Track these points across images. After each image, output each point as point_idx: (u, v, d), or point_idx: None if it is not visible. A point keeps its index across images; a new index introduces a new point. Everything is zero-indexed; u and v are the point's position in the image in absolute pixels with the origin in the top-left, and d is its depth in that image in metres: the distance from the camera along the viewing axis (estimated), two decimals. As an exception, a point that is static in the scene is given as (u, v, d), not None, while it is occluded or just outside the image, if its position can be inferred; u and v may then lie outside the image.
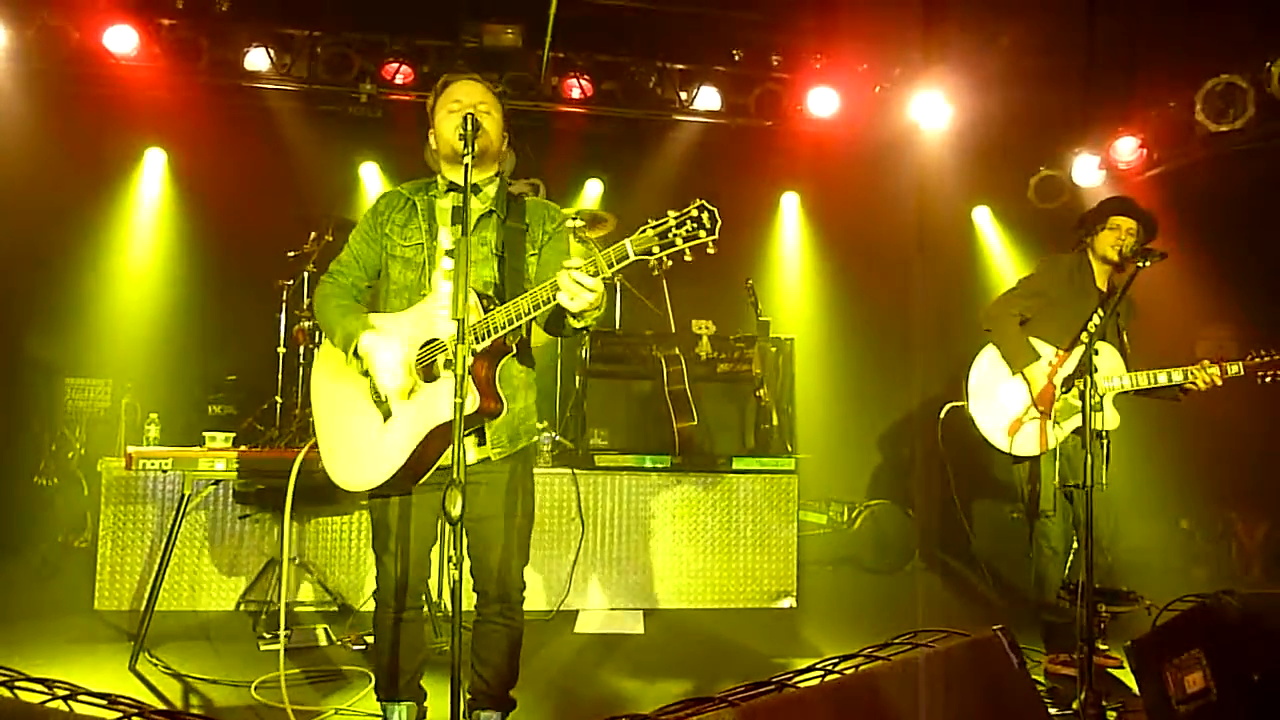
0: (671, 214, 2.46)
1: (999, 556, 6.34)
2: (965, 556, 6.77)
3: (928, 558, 6.89)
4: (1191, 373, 4.04)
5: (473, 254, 2.83)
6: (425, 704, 3.17)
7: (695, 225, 2.43)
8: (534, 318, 2.65)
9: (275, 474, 4.25)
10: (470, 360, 2.60)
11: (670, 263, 2.49)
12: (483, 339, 2.64)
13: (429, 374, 2.76)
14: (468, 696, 3.02)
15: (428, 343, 2.78)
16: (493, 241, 2.90)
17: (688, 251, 2.44)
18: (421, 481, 2.83)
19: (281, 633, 3.40)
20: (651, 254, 2.45)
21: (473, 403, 2.60)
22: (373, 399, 2.82)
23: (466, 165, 2.61)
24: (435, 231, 2.90)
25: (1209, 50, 6.09)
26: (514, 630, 3.00)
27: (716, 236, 2.44)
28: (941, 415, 4.67)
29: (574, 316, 2.63)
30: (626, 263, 2.49)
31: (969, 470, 4.80)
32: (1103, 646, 4.22)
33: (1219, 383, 4.03)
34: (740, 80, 7.08)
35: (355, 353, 2.80)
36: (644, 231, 2.46)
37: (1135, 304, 4.46)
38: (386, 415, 2.79)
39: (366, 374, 2.82)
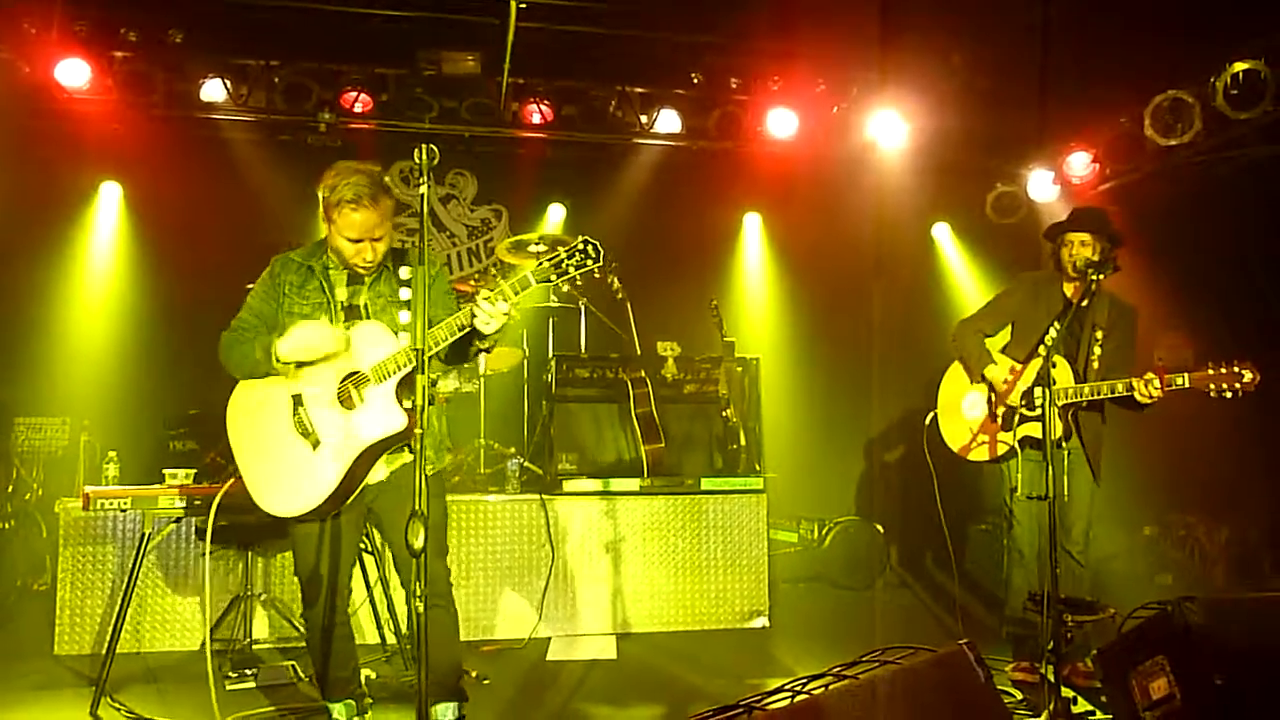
0: (561, 249, 3.01)
1: (975, 567, 6.38)
2: (940, 569, 6.82)
3: (904, 569, 6.93)
4: (1133, 384, 4.03)
5: (375, 304, 3.29)
6: (367, 700, 3.61)
7: (583, 256, 2.98)
8: (449, 344, 3.08)
9: (239, 510, 4.18)
10: (394, 385, 3.09)
11: (566, 287, 3.08)
12: (404, 365, 3.10)
13: (349, 403, 3.15)
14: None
15: (348, 376, 3.16)
16: (386, 293, 3.33)
17: (579, 278, 3.00)
18: (348, 502, 3.18)
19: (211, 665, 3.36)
20: (550, 280, 3.01)
21: (403, 422, 3.09)
22: (299, 430, 3.19)
23: (423, 211, 2.72)
24: (333, 290, 3.29)
25: (1156, 67, 6.24)
26: (448, 616, 3.30)
27: (602, 264, 3.00)
28: (926, 422, 4.70)
29: (480, 339, 3.08)
30: (528, 289, 3.01)
31: (943, 481, 4.82)
32: (1083, 667, 4.24)
33: (1160, 395, 3.99)
34: (700, 103, 7.14)
35: (279, 356, 3.15)
36: (540, 265, 3.00)
37: (1128, 311, 4.46)
38: (315, 444, 3.15)
39: (296, 398, 3.19)
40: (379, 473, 3.23)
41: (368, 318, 3.26)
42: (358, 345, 3.17)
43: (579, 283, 3.07)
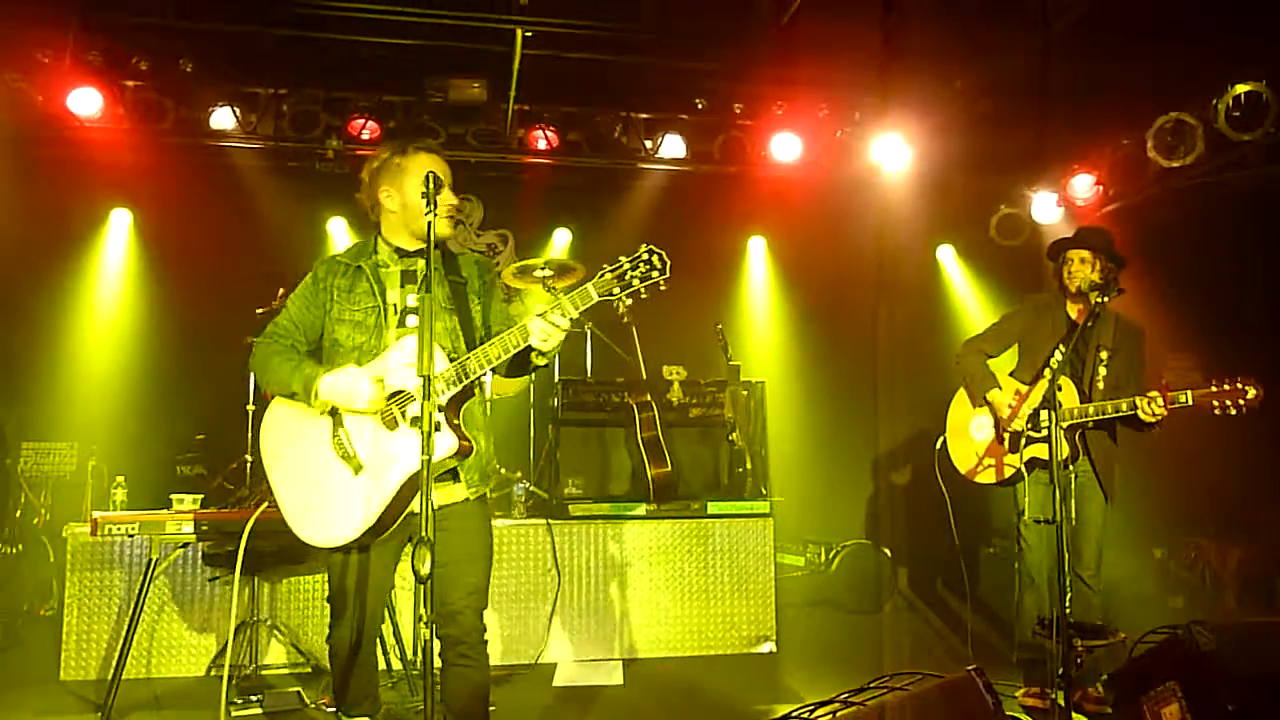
0: (624, 258, 2.74)
1: (985, 592, 6.34)
2: (949, 593, 6.77)
3: (912, 593, 6.89)
4: (1136, 403, 4.03)
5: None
6: (380, 716, 3.34)
7: (648, 267, 2.72)
8: (505, 361, 2.84)
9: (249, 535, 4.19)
10: (440, 410, 2.77)
11: (630, 301, 2.75)
12: (453, 384, 2.84)
13: (392, 424, 2.89)
14: None
15: (394, 395, 2.89)
16: (441, 296, 3.03)
17: (643, 291, 2.73)
18: (390, 531, 2.93)
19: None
20: (613, 295, 2.73)
21: (454, 445, 2.81)
22: (339, 454, 2.92)
23: (429, 238, 2.70)
24: (385, 293, 3.01)
25: (1158, 89, 6.27)
26: (481, 673, 3.02)
27: (668, 275, 2.73)
28: (937, 446, 4.68)
29: (539, 355, 2.85)
30: (591, 304, 2.76)
31: (953, 504, 4.80)
32: (1094, 692, 4.21)
33: (1164, 413, 3.99)
34: (704, 128, 7.19)
35: (318, 394, 2.89)
36: (602, 275, 2.74)
37: (1135, 332, 4.45)
38: (357, 469, 2.88)
39: (334, 413, 2.91)
40: (438, 497, 2.92)
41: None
42: (401, 360, 2.89)
43: (643, 295, 2.74)
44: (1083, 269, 4.37)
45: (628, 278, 2.73)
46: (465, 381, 2.84)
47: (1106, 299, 4.03)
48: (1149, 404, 4.00)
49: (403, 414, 2.87)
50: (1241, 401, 3.88)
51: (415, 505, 2.88)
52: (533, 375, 6.32)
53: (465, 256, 3.18)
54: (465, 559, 2.97)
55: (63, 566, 5.00)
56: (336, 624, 3.12)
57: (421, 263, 3.01)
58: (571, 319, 2.78)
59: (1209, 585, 6.57)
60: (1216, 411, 3.91)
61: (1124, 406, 4.07)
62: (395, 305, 3.00)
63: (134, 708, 4.27)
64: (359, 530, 2.85)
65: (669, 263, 2.74)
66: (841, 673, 5.04)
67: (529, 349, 2.82)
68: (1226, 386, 3.90)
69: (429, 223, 2.68)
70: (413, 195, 2.96)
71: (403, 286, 3.02)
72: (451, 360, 2.87)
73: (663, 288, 2.75)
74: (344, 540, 2.88)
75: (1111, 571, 4.66)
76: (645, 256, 2.74)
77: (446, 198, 2.95)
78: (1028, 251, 7.62)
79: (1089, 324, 4.07)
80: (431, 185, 2.67)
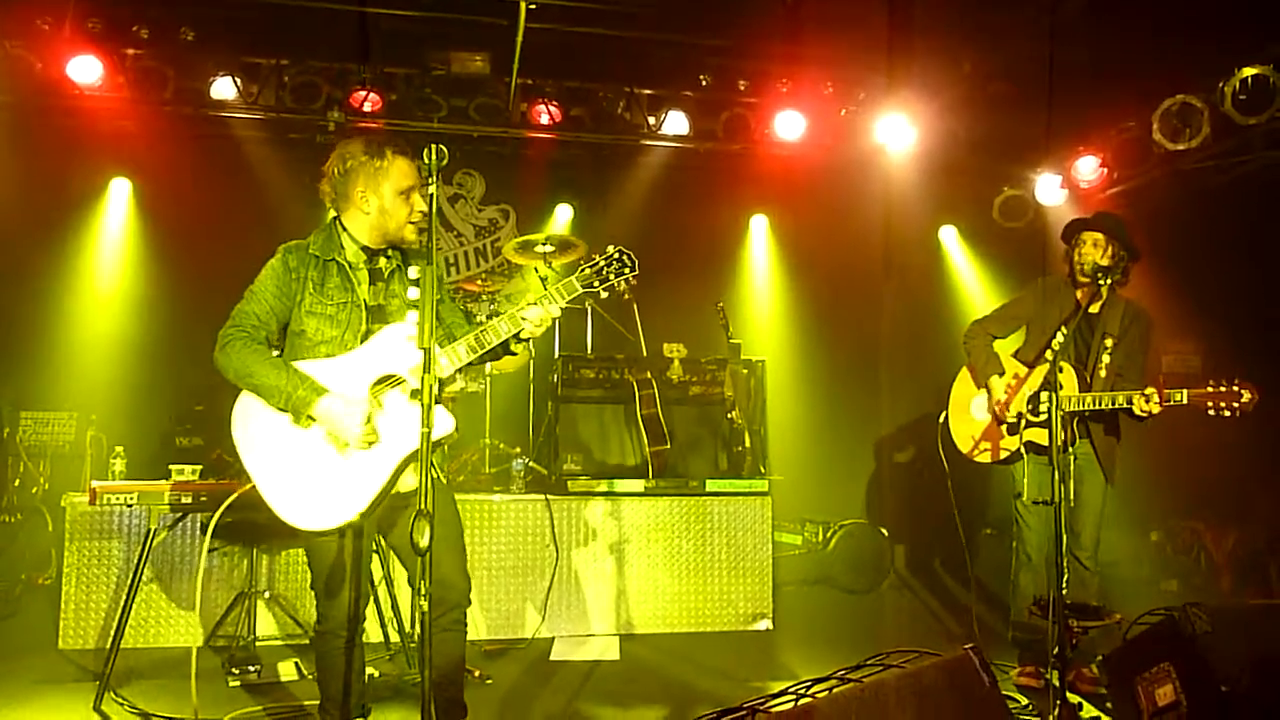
0: (599, 256, 3.12)
1: (981, 572, 6.37)
2: (945, 573, 6.80)
3: (909, 573, 6.92)
4: (1132, 398, 4.04)
5: (389, 304, 3.14)
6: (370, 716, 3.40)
7: (620, 265, 3.11)
8: (490, 349, 3.03)
9: (243, 506, 4.19)
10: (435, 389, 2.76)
11: (606, 295, 3.14)
12: (454, 361, 3.00)
13: (382, 406, 2.98)
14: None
15: (380, 380, 2.98)
16: (401, 293, 3.19)
17: (618, 285, 3.10)
18: (377, 510, 2.98)
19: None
20: (593, 288, 3.10)
21: (452, 423, 2.91)
22: (329, 437, 2.94)
23: (431, 210, 2.73)
24: (356, 290, 3.10)
25: (1165, 71, 6.22)
26: (464, 636, 3.14)
27: (637, 272, 3.12)
28: (940, 421, 4.69)
29: (519, 341, 3.10)
30: (575, 294, 3.10)
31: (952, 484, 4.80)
32: (1089, 673, 4.24)
33: (1159, 410, 4.00)
34: (708, 105, 7.14)
35: (309, 416, 2.92)
36: (582, 270, 3.10)
37: (1142, 320, 4.44)
38: (348, 451, 2.93)
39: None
40: (409, 480, 2.99)
41: (388, 320, 3.09)
42: (385, 347, 3.00)
43: (618, 290, 3.12)
44: (1094, 252, 4.35)
45: (604, 273, 3.09)
46: (458, 366, 2.99)
47: (1110, 282, 4.03)
48: (1144, 400, 4.02)
49: (381, 399, 2.96)
50: (1236, 404, 3.90)
51: (402, 486, 2.98)
52: (532, 351, 6.40)
53: (415, 254, 3.24)
54: (449, 532, 3.09)
55: (61, 536, 5.01)
56: (332, 610, 3.05)
57: (383, 260, 3.17)
58: (561, 307, 3.06)
59: (1204, 568, 6.61)
60: (1210, 412, 3.93)
61: (1120, 400, 4.08)
62: (366, 301, 3.09)
63: (131, 676, 4.29)
64: (358, 509, 2.88)
65: (636, 261, 3.12)
66: (837, 651, 5.08)
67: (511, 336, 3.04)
68: (1223, 388, 3.92)
69: (431, 196, 2.69)
70: (390, 201, 3.08)
71: (372, 284, 3.13)
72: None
73: (633, 283, 3.11)
74: (343, 522, 2.89)
75: (1108, 553, 4.69)
76: (617, 255, 3.11)
77: (418, 204, 3.09)
78: (1031, 233, 7.60)
79: (1092, 308, 4.06)
80: (434, 156, 2.65)
